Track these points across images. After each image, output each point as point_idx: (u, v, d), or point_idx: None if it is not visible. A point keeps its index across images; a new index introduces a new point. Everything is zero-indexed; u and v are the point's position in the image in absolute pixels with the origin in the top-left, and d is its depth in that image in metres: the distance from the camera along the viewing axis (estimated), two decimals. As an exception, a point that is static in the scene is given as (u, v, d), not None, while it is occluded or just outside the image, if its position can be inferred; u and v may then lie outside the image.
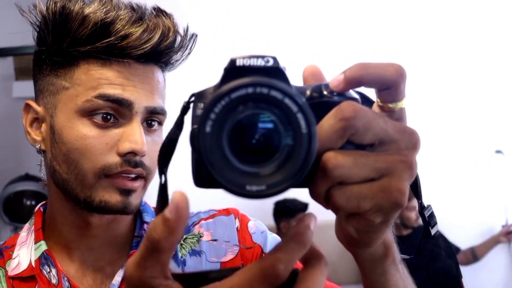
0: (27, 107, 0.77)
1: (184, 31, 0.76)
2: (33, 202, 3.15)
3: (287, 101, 0.37)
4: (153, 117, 0.74)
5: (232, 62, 0.39)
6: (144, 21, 0.71)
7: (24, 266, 0.76)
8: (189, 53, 0.77)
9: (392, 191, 0.38)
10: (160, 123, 0.76)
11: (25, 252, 0.77)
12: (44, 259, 0.76)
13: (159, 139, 0.76)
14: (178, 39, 0.75)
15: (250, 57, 0.39)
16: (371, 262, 0.49)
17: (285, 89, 0.37)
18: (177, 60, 0.78)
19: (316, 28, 3.33)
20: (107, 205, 0.71)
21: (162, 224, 0.35)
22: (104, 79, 0.70)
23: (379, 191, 0.38)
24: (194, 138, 0.38)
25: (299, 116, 0.37)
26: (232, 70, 0.39)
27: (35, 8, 0.72)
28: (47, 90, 0.74)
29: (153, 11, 0.75)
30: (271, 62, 0.39)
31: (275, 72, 0.39)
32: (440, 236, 0.55)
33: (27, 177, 3.23)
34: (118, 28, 0.69)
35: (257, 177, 0.37)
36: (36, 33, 0.75)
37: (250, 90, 0.37)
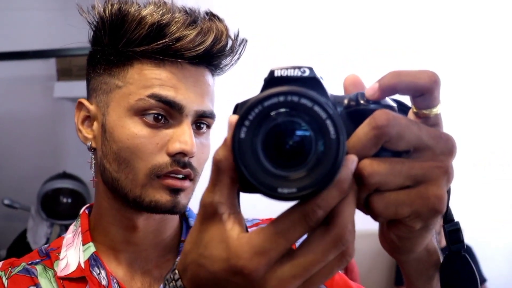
0: (80, 105, 0.79)
1: (234, 35, 0.78)
2: (69, 200, 3.22)
3: (316, 108, 0.39)
4: (202, 120, 0.76)
5: (271, 73, 0.43)
6: (198, 24, 0.73)
7: (73, 267, 0.77)
8: (238, 58, 0.80)
9: (429, 197, 0.40)
10: (209, 126, 0.78)
11: (73, 254, 0.78)
12: (94, 260, 0.77)
13: (207, 142, 0.78)
14: (230, 43, 0.77)
15: (288, 68, 0.42)
16: (416, 269, 0.51)
17: (314, 97, 0.39)
18: (226, 65, 0.79)
19: (316, 28, 3.29)
20: (157, 204, 0.72)
21: (223, 146, 0.41)
22: (157, 79, 0.72)
23: (417, 197, 0.41)
24: (231, 144, 0.41)
25: (328, 122, 0.39)
26: (271, 81, 0.42)
27: (93, 9, 0.75)
28: (100, 88, 0.76)
29: (206, 15, 0.77)
30: (307, 73, 0.42)
31: (311, 82, 0.42)
32: (463, 258, 0.52)
33: (65, 175, 3.31)
34: (173, 30, 0.71)
35: (288, 180, 0.40)
36: (92, 33, 0.77)
37: (281, 98, 0.39)
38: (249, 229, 0.83)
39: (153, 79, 0.72)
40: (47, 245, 0.83)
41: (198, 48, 0.73)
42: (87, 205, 0.86)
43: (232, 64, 0.80)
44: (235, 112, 0.46)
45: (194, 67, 0.75)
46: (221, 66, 0.79)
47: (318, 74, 0.43)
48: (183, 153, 0.72)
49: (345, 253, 0.41)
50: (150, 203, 0.73)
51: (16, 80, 3.94)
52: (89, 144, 0.78)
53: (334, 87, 0.46)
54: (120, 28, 0.73)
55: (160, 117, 0.73)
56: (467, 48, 3.42)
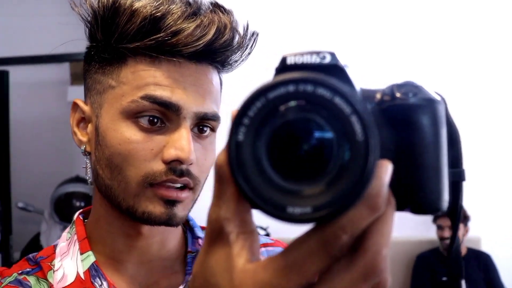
0: (75, 106, 0.73)
1: (244, 29, 0.70)
2: (82, 204, 3.24)
3: (337, 100, 0.30)
4: (204, 122, 0.69)
5: (283, 60, 0.34)
6: (198, 16, 0.66)
7: (71, 278, 0.70)
8: (249, 53, 0.71)
9: None
10: (213, 129, 0.70)
11: (70, 264, 0.72)
12: (94, 271, 0.70)
13: (211, 147, 0.70)
14: (237, 37, 0.69)
15: (303, 53, 0.33)
16: None
17: (334, 85, 0.30)
18: (236, 61, 0.71)
19: (316, 26, 3.26)
20: (150, 216, 0.66)
21: (223, 151, 0.33)
22: (151, 78, 0.65)
23: None
24: (227, 149, 0.32)
25: (353, 119, 0.30)
26: (283, 70, 0.33)
27: (85, 2, 0.69)
28: (94, 88, 0.70)
29: (210, 6, 0.70)
30: (328, 59, 0.33)
31: (333, 70, 0.33)
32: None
33: (77, 179, 3.33)
34: (169, 23, 0.64)
35: (301, 196, 0.31)
36: (87, 29, 0.71)
37: (291, 88, 0.31)
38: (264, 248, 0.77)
39: (147, 79, 0.65)
40: (35, 253, 0.76)
41: (198, 43, 0.64)
42: (81, 210, 0.79)
43: (242, 60, 0.71)
44: None
45: (195, 65, 0.67)
46: (229, 62, 0.71)
47: (342, 61, 0.34)
48: (179, 161, 0.65)
49: (379, 286, 0.33)
50: (143, 214, 0.66)
51: (31, 84, 3.98)
52: (83, 147, 0.71)
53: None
54: (112, 22, 0.66)
55: (156, 120, 0.65)
56: (468, 47, 3.36)
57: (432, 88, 0.37)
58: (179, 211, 0.67)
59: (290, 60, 0.33)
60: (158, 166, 0.65)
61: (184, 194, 0.67)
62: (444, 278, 2.81)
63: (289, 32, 3.19)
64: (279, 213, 0.31)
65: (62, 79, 3.87)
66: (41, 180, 3.71)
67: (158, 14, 0.64)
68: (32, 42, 3.85)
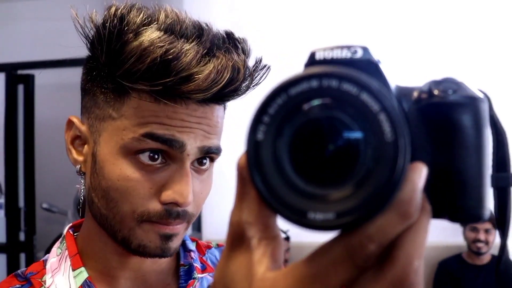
0: (70, 123, 0.70)
1: (256, 62, 0.67)
2: (105, 205, 3.27)
3: (364, 97, 0.28)
4: (206, 156, 0.66)
5: (312, 55, 0.32)
6: (212, 57, 0.61)
7: None
8: (256, 85, 0.67)
9: None
10: (212, 160, 0.68)
11: (62, 280, 0.70)
12: (88, 287, 0.69)
13: (209, 179, 0.69)
14: (247, 78, 0.64)
15: (334, 48, 0.31)
16: None
17: (361, 80, 0.28)
18: (241, 95, 0.67)
19: (315, 24, 3.22)
20: (145, 249, 0.65)
21: (245, 153, 0.31)
22: (155, 118, 0.62)
23: None
24: (246, 148, 0.30)
25: (382, 117, 0.28)
26: (312, 65, 0.31)
27: (90, 21, 0.64)
28: (93, 112, 0.66)
29: (224, 40, 0.65)
30: (359, 54, 0.31)
31: (366, 66, 0.31)
32: None
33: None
34: (180, 67, 0.59)
35: (324, 201, 0.29)
36: (88, 44, 0.66)
37: (314, 83, 0.28)
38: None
39: (150, 117, 0.62)
40: (24, 269, 0.73)
41: (209, 91, 0.60)
42: (70, 224, 0.76)
43: (248, 92, 0.67)
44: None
45: (202, 106, 0.63)
46: (236, 97, 0.67)
47: (376, 56, 0.31)
48: (176, 204, 0.63)
49: None
50: (138, 247, 0.65)
51: (56, 87, 4.04)
52: (78, 167, 0.69)
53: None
54: (119, 54, 0.61)
55: (156, 156, 0.63)
56: (470, 47, 3.27)
57: (474, 85, 0.34)
58: (174, 243, 0.66)
59: (319, 55, 0.31)
60: (155, 206, 0.63)
61: (179, 226, 0.66)
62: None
63: (316, 27, 3.14)
64: (299, 219, 0.29)
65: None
66: (65, 181, 3.75)
67: (169, 56, 0.59)
68: (56, 45, 3.91)
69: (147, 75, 0.60)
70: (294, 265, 0.31)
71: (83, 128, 0.68)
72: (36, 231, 3.57)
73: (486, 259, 2.97)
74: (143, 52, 0.59)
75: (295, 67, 0.32)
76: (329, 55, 0.31)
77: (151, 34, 0.60)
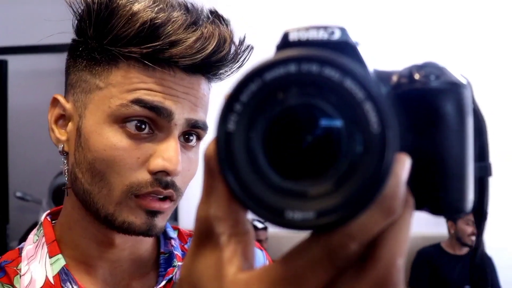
0: (55, 101, 0.69)
1: (239, 41, 0.68)
2: (80, 194, 3.24)
3: (348, 83, 0.25)
4: (193, 130, 0.66)
5: (285, 36, 0.29)
6: (199, 27, 0.63)
7: (39, 283, 0.67)
8: (240, 67, 0.68)
9: None
10: (199, 138, 0.68)
11: (38, 268, 0.68)
12: (65, 275, 0.67)
13: (195, 157, 0.68)
14: (232, 50, 0.66)
15: (308, 28, 0.29)
16: None
17: (345, 65, 0.25)
18: (226, 73, 0.69)
19: (310, 22, 3.22)
20: (130, 226, 0.64)
21: (213, 141, 0.29)
22: (143, 84, 0.62)
23: None
24: (215, 140, 0.27)
25: (368, 106, 0.25)
26: (285, 48, 0.28)
27: None
28: (79, 86, 0.66)
29: (210, 16, 0.67)
30: (337, 35, 0.28)
31: (343, 48, 0.28)
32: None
33: (76, 169, 3.33)
34: (169, 32, 0.61)
35: (303, 198, 0.27)
36: (76, 21, 0.67)
37: (293, 68, 0.26)
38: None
39: (139, 83, 0.62)
40: None
41: (196, 57, 0.62)
42: (48, 211, 0.75)
43: (232, 72, 0.68)
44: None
45: (188, 75, 0.64)
46: (220, 73, 0.68)
47: (354, 37, 0.29)
48: (166, 172, 0.63)
49: None
50: (123, 224, 0.63)
51: (31, 73, 3.97)
52: (61, 146, 0.67)
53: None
54: (107, 23, 0.62)
55: (143, 126, 0.63)
56: (470, 48, 3.31)
57: (457, 71, 0.32)
58: (159, 221, 0.65)
59: (293, 36, 0.29)
60: (144, 176, 0.63)
61: (166, 205, 0.65)
62: (467, 287, 2.68)
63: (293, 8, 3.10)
64: (276, 218, 0.26)
65: (61, 69, 3.86)
66: (39, 169, 3.71)
67: (158, 20, 0.61)
68: (30, 31, 3.83)
69: (136, 40, 0.61)
70: (269, 266, 0.29)
71: (68, 105, 0.68)
72: (9, 220, 3.51)
73: (465, 250, 3.01)
74: (132, 17, 0.61)
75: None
76: (304, 36, 0.28)
77: (141, 2, 0.62)
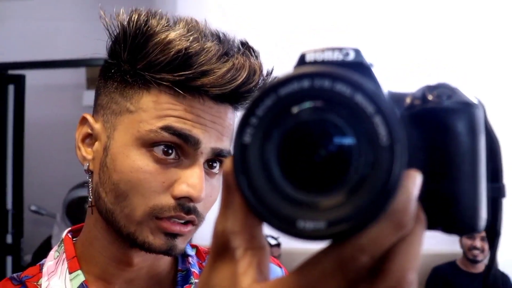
0: (83, 120, 0.71)
1: (267, 72, 0.69)
2: (94, 208, 3.25)
3: (359, 98, 0.27)
4: (217, 158, 0.67)
5: (302, 57, 0.31)
6: (230, 57, 0.64)
7: None
8: None
9: None
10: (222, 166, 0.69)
11: (58, 283, 0.70)
12: None
13: (218, 184, 0.69)
14: (261, 81, 0.68)
15: (324, 50, 0.30)
16: None
17: (356, 81, 0.27)
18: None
19: (310, 22, 3.21)
20: (150, 246, 0.65)
21: (230, 158, 0.30)
22: (173, 111, 0.64)
23: None
24: (233, 152, 0.29)
25: (377, 120, 0.26)
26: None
27: (116, 18, 0.66)
28: (109, 108, 0.68)
29: (241, 47, 0.68)
30: (351, 56, 0.30)
31: (357, 69, 0.29)
32: None
33: (90, 183, 3.35)
34: (201, 61, 0.62)
35: (315, 209, 0.28)
36: (110, 43, 0.68)
37: (306, 84, 0.27)
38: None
39: (169, 110, 0.64)
40: (19, 273, 0.74)
41: (226, 87, 0.63)
42: (69, 229, 0.77)
43: None
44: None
45: (217, 104, 0.66)
46: (246, 103, 0.68)
47: (368, 58, 0.31)
48: (189, 198, 0.64)
49: None
50: (143, 244, 0.65)
51: (47, 88, 4.02)
52: (86, 165, 0.69)
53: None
54: (142, 48, 0.64)
55: (170, 151, 0.64)
56: (471, 49, 3.27)
57: (469, 92, 0.33)
58: (179, 243, 0.66)
59: (309, 57, 0.30)
60: (167, 200, 0.64)
61: (187, 229, 0.66)
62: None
63: (311, 25, 3.12)
64: (288, 228, 0.27)
65: (78, 83, 3.91)
66: (54, 183, 3.74)
67: (192, 50, 0.62)
68: (48, 46, 3.89)
69: (169, 67, 0.63)
70: (283, 277, 0.30)
71: (97, 125, 0.69)
72: (23, 234, 3.53)
73: (480, 268, 2.95)
74: (168, 44, 0.62)
75: (290, 65, 0.31)
76: (320, 57, 0.30)
77: (176, 31, 0.64)
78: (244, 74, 0.64)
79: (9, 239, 3.51)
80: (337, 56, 0.30)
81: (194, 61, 0.62)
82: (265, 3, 3.24)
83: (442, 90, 0.33)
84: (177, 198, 0.64)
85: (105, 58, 0.70)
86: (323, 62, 0.30)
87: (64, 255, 0.72)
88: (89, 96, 3.82)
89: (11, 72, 3.62)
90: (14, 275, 0.73)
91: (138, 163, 0.64)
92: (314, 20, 3.24)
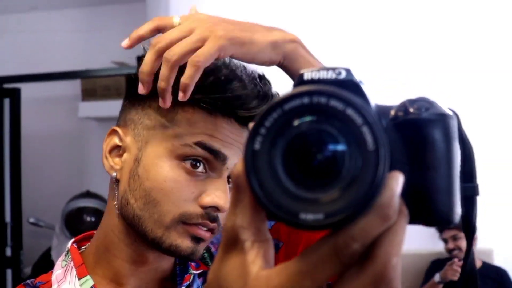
0: (112, 132, 0.76)
1: (260, 76, 0.77)
2: (93, 219, 3.25)
3: (349, 112, 0.32)
4: None
5: (300, 76, 0.36)
6: (257, 85, 0.73)
7: None
8: None
9: None
10: None
11: None
12: None
13: None
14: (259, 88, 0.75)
15: (320, 69, 0.36)
16: None
17: (347, 97, 0.32)
18: None
19: (308, 25, 3.24)
20: (177, 249, 0.71)
21: (240, 162, 0.35)
22: (206, 129, 0.71)
23: None
24: (244, 157, 0.34)
25: (365, 130, 0.32)
26: (300, 85, 0.35)
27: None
28: (141, 123, 0.73)
29: (261, 79, 0.76)
30: (343, 75, 0.35)
31: (348, 85, 0.35)
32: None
33: (88, 194, 3.35)
34: (235, 87, 0.70)
35: (314, 204, 0.33)
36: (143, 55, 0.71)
37: (306, 100, 0.33)
38: None
39: (202, 127, 0.71)
40: (33, 279, 0.78)
41: (254, 111, 0.72)
42: (73, 239, 0.82)
43: None
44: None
45: (241, 127, 0.73)
46: None
47: (358, 77, 0.36)
48: (215, 207, 0.70)
49: None
50: (170, 247, 0.71)
51: (42, 100, 4.03)
52: (114, 174, 0.74)
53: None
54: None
55: (198, 164, 0.71)
56: (471, 50, 3.32)
57: (445, 104, 0.38)
58: (201, 248, 0.73)
59: (307, 76, 0.36)
60: (195, 209, 0.70)
61: (209, 235, 0.72)
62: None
63: (308, 30, 3.16)
64: (292, 219, 0.33)
65: (73, 95, 3.92)
66: (52, 195, 3.74)
67: (229, 78, 0.71)
68: (42, 59, 3.91)
69: (206, 89, 0.70)
70: (287, 263, 0.35)
71: (127, 139, 0.75)
72: (23, 246, 3.53)
73: (477, 264, 2.98)
74: (208, 71, 0.68)
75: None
76: (316, 76, 0.35)
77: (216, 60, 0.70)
78: (267, 101, 0.72)
79: (8, 252, 3.50)
80: (330, 75, 0.35)
81: (229, 86, 0.70)
82: (255, 10, 3.26)
83: (422, 103, 0.38)
84: (204, 207, 0.70)
85: (97, 70, 0.72)
86: (319, 80, 0.35)
87: (72, 263, 0.76)
88: (84, 108, 3.83)
89: (6, 86, 3.63)
90: (28, 281, 0.77)
91: (171, 173, 0.70)
92: (312, 21, 3.28)
